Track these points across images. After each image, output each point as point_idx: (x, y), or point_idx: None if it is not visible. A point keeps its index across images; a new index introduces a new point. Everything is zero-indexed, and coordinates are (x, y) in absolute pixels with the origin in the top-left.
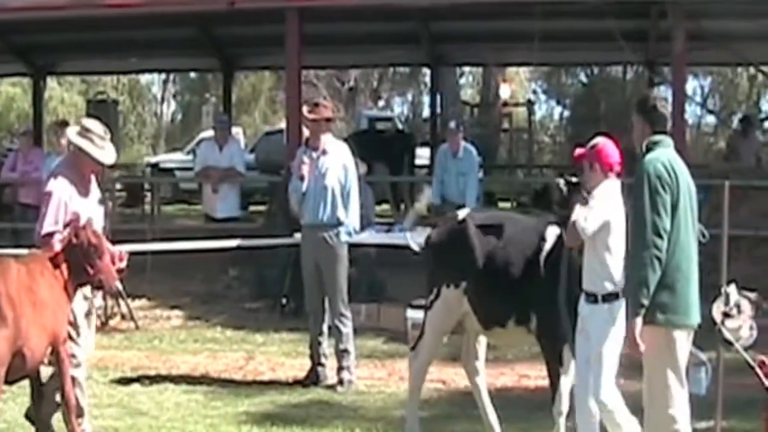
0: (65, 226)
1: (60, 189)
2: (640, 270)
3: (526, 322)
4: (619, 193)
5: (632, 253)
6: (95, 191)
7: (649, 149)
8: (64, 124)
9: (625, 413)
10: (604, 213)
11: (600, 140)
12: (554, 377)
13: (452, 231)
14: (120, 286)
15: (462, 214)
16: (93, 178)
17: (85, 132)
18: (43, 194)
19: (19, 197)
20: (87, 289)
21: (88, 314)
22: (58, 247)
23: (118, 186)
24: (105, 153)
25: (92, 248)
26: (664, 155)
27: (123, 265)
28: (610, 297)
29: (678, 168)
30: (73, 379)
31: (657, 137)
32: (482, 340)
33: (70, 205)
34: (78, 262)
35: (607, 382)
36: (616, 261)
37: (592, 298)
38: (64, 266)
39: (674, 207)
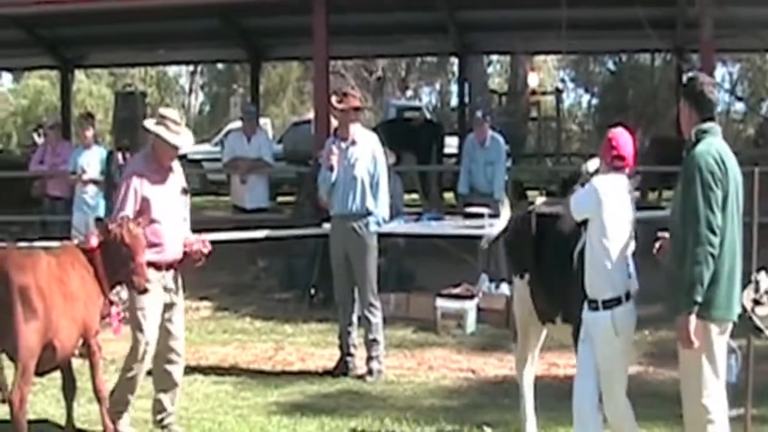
0: (139, 211)
1: (129, 177)
2: (694, 267)
3: (572, 319)
4: (620, 189)
5: (680, 251)
6: (177, 180)
7: (698, 139)
8: (89, 116)
9: (634, 429)
10: (584, 202)
11: (612, 131)
12: None
13: (520, 220)
14: (151, 288)
15: (537, 202)
16: (176, 167)
17: (161, 119)
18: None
19: (47, 190)
20: (170, 281)
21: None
22: (94, 241)
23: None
24: (180, 138)
25: (125, 247)
26: (714, 147)
27: (205, 250)
28: (611, 303)
29: (728, 160)
30: (131, 372)
31: (706, 125)
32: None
33: (141, 192)
34: (112, 259)
35: (617, 394)
36: (615, 263)
37: (594, 305)
38: (98, 260)
39: (724, 202)
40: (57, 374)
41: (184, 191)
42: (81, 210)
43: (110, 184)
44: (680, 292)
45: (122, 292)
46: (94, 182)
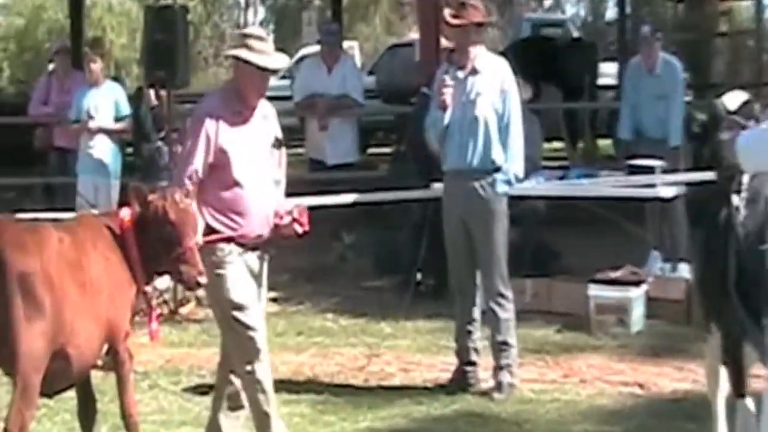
0: (211, 168)
1: (201, 120)
2: None
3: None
4: None
5: None
6: (269, 128)
7: None
8: (96, 43)
9: None
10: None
11: None
12: (733, 383)
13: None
14: (204, 281)
15: None
16: (268, 110)
17: (240, 40)
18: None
19: (54, 140)
20: (254, 263)
21: None
22: (126, 213)
23: (189, 123)
24: (271, 59)
25: (170, 226)
26: None
27: (299, 229)
28: None
29: None
30: (256, 380)
31: None
32: None
33: (217, 142)
34: (150, 241)
35: None
36: None
37: None
38: (131, 239)
39: None
40: (71, 393)
41: (278, 143)
42: (88, 170)
43: (139, 133)
44: None
45: (157, 279)
46: (106, 132)
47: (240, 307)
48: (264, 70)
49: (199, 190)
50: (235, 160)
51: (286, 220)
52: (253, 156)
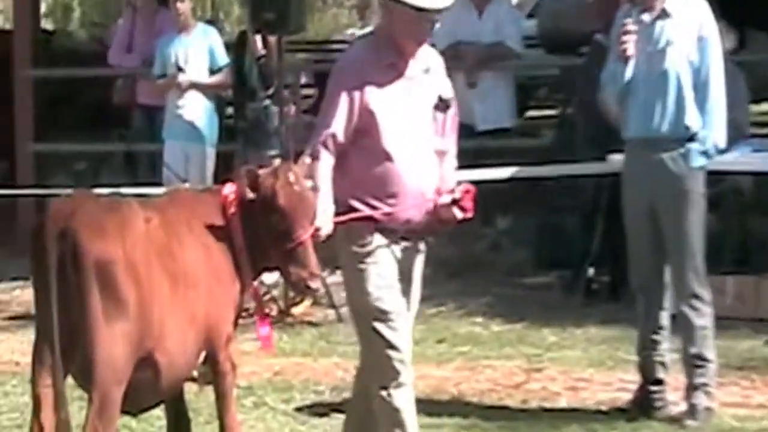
0: (355, 134)
1: (342, 74)
2: None
3: None
4: None
5: None
6: (430, 84)
7: None
8: None
9: None
10: None
11: None
12: None
13: None
14: (320, 286)
15: None
16: (432, 61)
17: None
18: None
19: (138, 96)
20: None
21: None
22: (230, 191)
23: (304, 79)
24: None
25: (277, 212)
26: None
27: (459, 214)
28: None
29: None
30: (393, 408)
31: None
32: None
33: (363, 101)
34: (257, 229)
35: None
36: None
37: None
38: (236, 223)
39: None
40: (158, 412)
41: (443, 104)
42: (177, 136)
43: (242, 90)
44: None
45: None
46: (199, 88)
47: (383, 316)
48: (423, 11)
49: (338, 161)
50: (385, 124)
51: (445, 199)
52: (410, 119)
